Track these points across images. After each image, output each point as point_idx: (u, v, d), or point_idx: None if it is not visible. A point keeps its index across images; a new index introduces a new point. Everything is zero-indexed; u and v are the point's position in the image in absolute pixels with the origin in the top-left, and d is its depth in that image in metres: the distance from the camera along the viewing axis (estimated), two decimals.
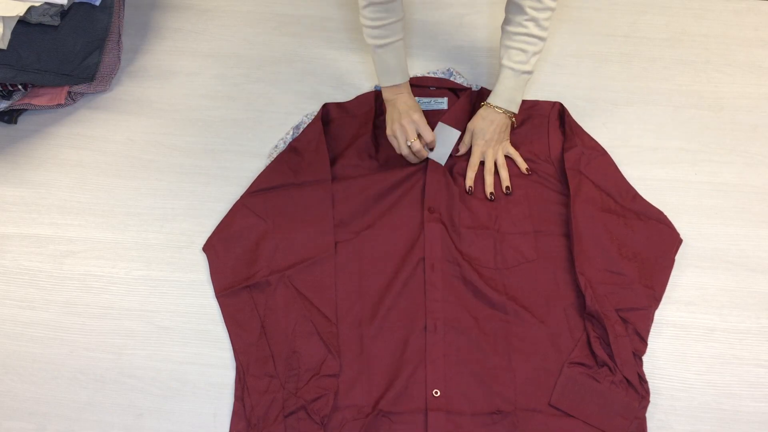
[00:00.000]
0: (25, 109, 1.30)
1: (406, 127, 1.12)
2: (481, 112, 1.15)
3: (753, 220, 1.15)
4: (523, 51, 1.07)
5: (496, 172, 1.16)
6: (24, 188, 1.22)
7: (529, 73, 1.09)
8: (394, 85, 1.13)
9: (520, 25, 1.05)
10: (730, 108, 1.27)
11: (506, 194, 1.14)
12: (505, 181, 1.15)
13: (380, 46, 1.08)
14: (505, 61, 1.09)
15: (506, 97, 1.12)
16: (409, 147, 1.12)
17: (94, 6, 1.23)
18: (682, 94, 1.29)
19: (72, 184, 1.23)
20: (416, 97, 1.24)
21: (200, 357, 1.05)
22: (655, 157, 1.22)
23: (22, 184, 1.23)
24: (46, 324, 1.09)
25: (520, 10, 1.04)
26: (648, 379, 0.99)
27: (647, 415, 0.97)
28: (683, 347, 1.04)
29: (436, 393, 0.98)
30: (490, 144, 1.15)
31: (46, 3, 1.15)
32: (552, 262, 1.08)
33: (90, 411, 1.01)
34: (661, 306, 1.06)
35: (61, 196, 1.21)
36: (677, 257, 1.09)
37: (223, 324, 1.06)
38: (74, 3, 1.21)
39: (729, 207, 1.16)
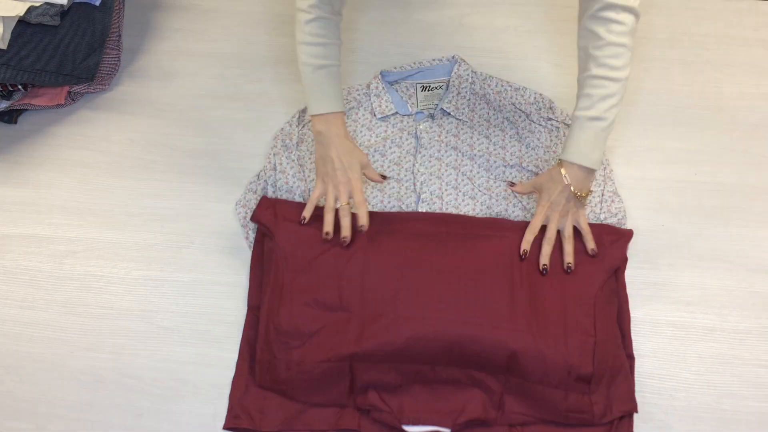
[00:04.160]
0: (25, 109, 1.30)
1: (341, 190, 1.01)
2: (550, 170, 1.01)
3: (753, 220, 1.15)
4: (588, 96, 0.95)
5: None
6: (24, 188, 1.22)
7: (598, 119, 0.94)
8: (328, 113, 1.02)
9: (585, 69, 0.96)
10: (730, 108, 1.27)
11: (566, 272, 1.00)
12: (569, 256, 1.00)
13: (320, 67, 1.01)
14: (574, 112, 0.98)
15: (573, 150, 0.97)
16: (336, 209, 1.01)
17: (94, 6, 1.23)
18: (682, 94, 1.29)
19: (72, 184, 1.23)
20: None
21: (200, 357, 1.05)
22: (655, 157, 1.22)
23: (22, 184, 1.23)
24: (46, 324, 1.09)
25: (584, 53, 0.96)
26: (648, 379, 1.00)
27: (647, 415, 0.97)
28: (683, 347, 1.04)
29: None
30: (557, 208, 1.00)
31: (46, 3, 1.15)
32: None
33: (90, 411, 1.01)
34: (661, 306, 1.06)
35: (61, 196, 1.21)
36: (677, 258, 1.10)
37: (223, 324, 1.07)
38: (74, 3, 1.21)
39: (729, 207, 1.16)
